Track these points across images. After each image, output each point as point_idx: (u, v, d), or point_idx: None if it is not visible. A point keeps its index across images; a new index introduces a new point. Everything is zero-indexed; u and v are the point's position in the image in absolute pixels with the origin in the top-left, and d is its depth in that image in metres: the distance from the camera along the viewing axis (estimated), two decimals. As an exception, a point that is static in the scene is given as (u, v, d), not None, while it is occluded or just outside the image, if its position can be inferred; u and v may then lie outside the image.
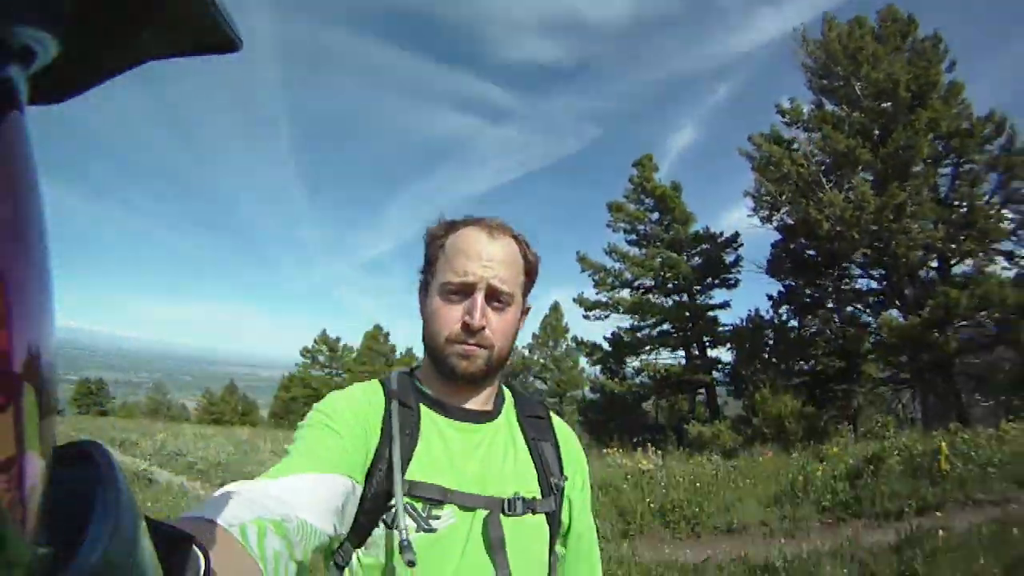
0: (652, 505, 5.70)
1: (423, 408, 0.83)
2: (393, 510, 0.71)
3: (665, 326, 21.26)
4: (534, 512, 0.82)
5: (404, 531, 0.68)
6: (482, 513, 0.78)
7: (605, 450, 10.95)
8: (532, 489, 0.84)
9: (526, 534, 0.81)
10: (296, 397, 32.03)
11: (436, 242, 0.85)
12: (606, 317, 21.42)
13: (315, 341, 33.90)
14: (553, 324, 27.20)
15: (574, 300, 21.52)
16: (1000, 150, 14.39)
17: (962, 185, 14.63)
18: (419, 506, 0.74)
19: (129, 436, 15.59)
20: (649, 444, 10.83)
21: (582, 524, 0.93)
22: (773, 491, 6.11)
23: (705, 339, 20.78)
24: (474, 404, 0.85)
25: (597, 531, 0.98)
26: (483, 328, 0.78)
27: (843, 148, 14.60)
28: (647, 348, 21.36)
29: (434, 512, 0.75)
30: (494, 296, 0.81)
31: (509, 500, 0.80)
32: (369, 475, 0.73)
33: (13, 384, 0.13)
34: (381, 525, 0.74)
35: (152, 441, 14.17)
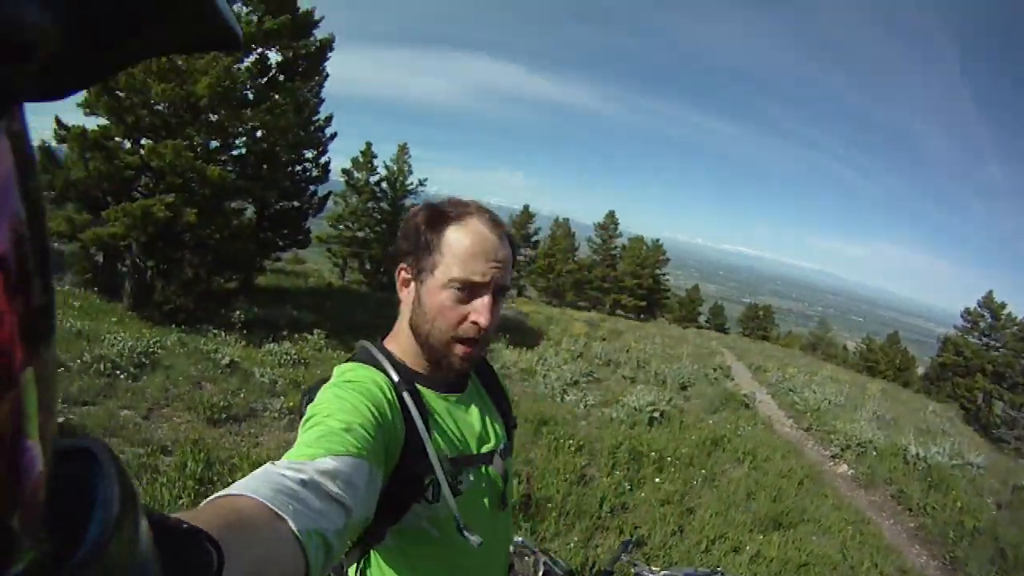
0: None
1: (420, 388, 0.87)
2: (430, 487, 0.82)
3: None
4: (509, 453, 0.99)
5: (454, 507, 0.81)
6: (489, 467, 0.93)
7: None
8: (503, 434, 0.99)
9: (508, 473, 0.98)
10: (945, 364, 27.08)
11: (433, 227, 0.84)
12: None
13: (978, 303, 27.96)
14: None
15: None
16: None
17: None
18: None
19: (765, 363, 16.44)
20: None
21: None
22: None
23: None
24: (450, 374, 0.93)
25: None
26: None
27: None
28: None
29: (457, 477, 0.87)
30: (499, 292, 0.86)
31: (499, 451, 0.95)
32: (401, 459, 0.79)
33: (12, 383, 0.13)
34: (421, 501, 0.83)
35: (781, 372, 14.52)
